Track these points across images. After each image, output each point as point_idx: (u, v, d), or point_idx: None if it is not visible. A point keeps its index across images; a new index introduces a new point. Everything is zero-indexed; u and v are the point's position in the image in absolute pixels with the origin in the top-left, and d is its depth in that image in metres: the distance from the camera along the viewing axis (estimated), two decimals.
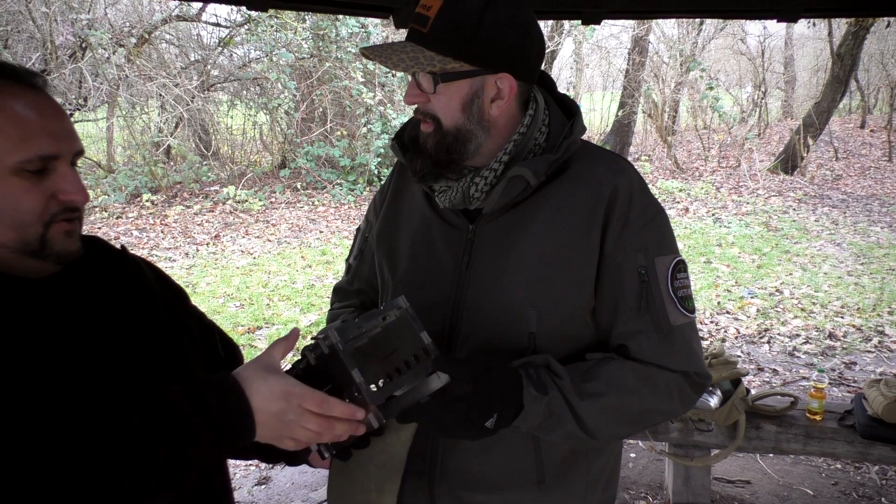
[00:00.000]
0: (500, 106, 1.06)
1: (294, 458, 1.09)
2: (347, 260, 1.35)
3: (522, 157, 1.08)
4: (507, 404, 0.99)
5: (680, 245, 7.27)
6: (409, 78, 1.08)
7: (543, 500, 1.13)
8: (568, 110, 1.14)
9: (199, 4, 9.88)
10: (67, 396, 0.86)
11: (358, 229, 1.33)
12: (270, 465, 3.20)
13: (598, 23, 2.81)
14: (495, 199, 1.06)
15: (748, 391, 2.69)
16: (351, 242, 1.37)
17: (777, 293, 5.69)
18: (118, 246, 1.06)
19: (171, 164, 10.77)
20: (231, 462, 3.21)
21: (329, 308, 1.40)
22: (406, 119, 1.42)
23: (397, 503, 1.04)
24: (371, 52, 1.05)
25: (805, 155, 11.08)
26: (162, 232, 7.82)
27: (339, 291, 1.38)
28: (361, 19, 9.11)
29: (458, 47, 1.01)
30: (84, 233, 0.98)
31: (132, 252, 1.08)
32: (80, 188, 0.91)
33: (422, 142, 1.09)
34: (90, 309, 0.95)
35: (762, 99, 16.39)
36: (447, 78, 1.03)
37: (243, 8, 2.99)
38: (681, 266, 1.09)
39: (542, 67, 1.13)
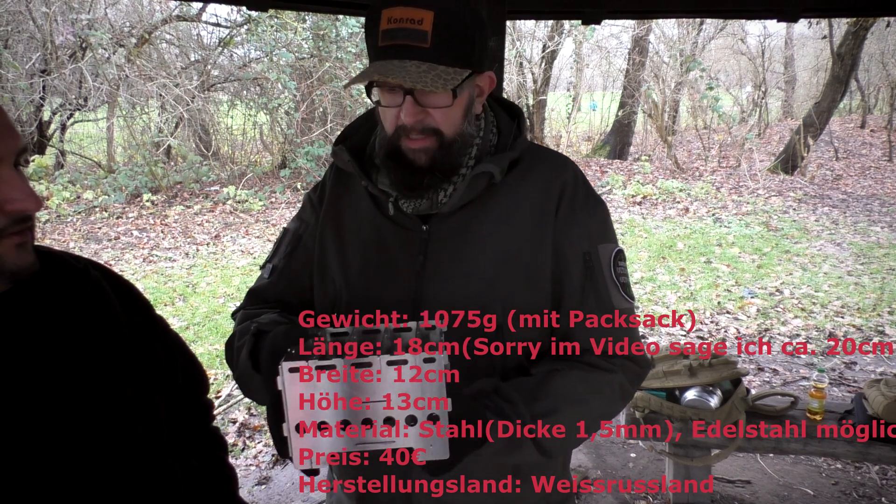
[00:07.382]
0: (480, 102, 1.08)
1: None
2: (269, 262, 1.22)
3: (481, 157, 1.10)
4: (469, 439, 0.93)
5: (680, 245, 7.21)
6: (397, 96, 0.99)
7: (524, 489, 1.14)
8: (510, 110, 1.16)
9: (199, 4, 9.88)
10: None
11: (285, 230, 1.23)
12: (271, 465, 3.20)
13: (599, 23, 2.82)
14: (458, 196, 1.06)
15: (748, 391, 2.69)
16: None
17: (777, 293, 5.69)
18: (81, 264, 0.93)
19: (172, 164, 10.78)
20: (231, 462, 3.21)
21: (242, 309, 1.23)
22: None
23: None
24: (380, 73, 0.95)
25: (805, 155, 11.08)
26: (162, 232, 7.83)
27: (256, 294, 1.23)
28: (361, 19, 9.09)
29: (463, 56, 0.99)
30: (54, 248, 0.89)
31: (104, 264, 0.99)
32: (29, 194, 0.76)
33: (411, 157, 1.02)
34: (38, 338, 0.82)
35: (762, 99, 16.40)
36: (461, 90, 1.00)
37: (243, 8, 3.00)
38: (621, 255, 1.13)
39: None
